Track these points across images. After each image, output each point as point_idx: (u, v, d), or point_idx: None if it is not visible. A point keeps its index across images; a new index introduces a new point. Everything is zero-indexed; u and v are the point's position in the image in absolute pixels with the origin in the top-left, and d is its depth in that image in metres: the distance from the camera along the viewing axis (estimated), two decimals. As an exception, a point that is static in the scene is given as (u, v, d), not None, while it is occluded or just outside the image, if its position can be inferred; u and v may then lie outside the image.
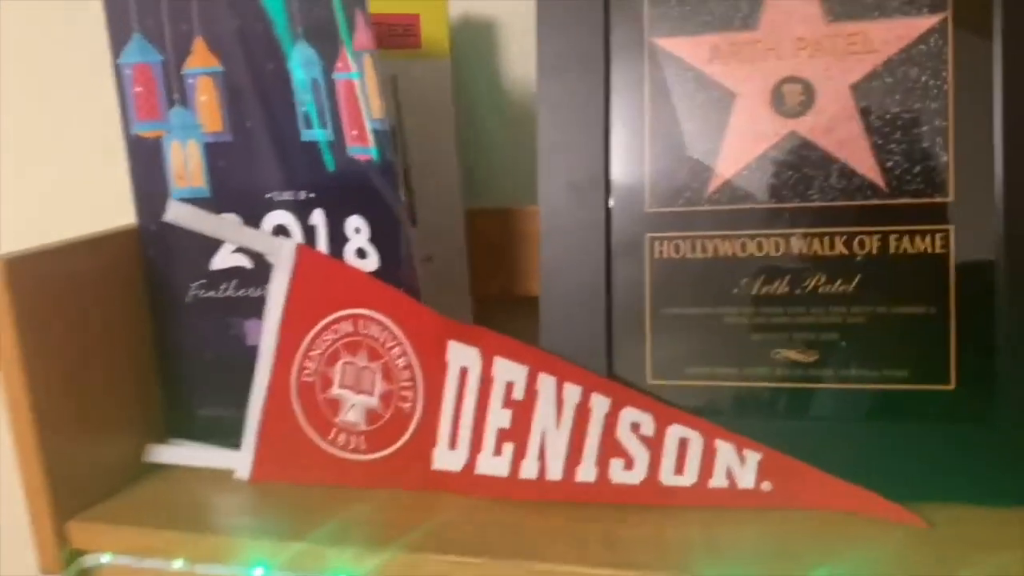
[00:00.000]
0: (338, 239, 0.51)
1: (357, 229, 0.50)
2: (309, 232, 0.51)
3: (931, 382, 0.45)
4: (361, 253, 0.50)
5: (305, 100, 0.49)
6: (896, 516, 0.42)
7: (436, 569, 0.43)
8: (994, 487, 0.43)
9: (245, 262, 0.53)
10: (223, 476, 0.53)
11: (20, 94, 0.70)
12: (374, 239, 0.50)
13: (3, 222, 0.71)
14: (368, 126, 0.47)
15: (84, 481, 0.50)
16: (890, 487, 0.43)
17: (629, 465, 0.46)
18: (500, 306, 0.56)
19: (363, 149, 0.48)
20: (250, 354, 0.53)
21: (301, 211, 0.51)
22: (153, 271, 0.54)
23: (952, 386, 0.44)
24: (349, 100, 0.48)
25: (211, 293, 0.54)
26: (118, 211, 0.57)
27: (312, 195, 0.51)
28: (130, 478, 0.53)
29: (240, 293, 0.54)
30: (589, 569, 0.42)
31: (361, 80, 0.46)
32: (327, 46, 0.48)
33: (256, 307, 0.53)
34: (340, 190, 0.50)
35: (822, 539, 0.42)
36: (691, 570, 0.41)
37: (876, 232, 0.45)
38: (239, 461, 0.52)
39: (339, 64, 0.47)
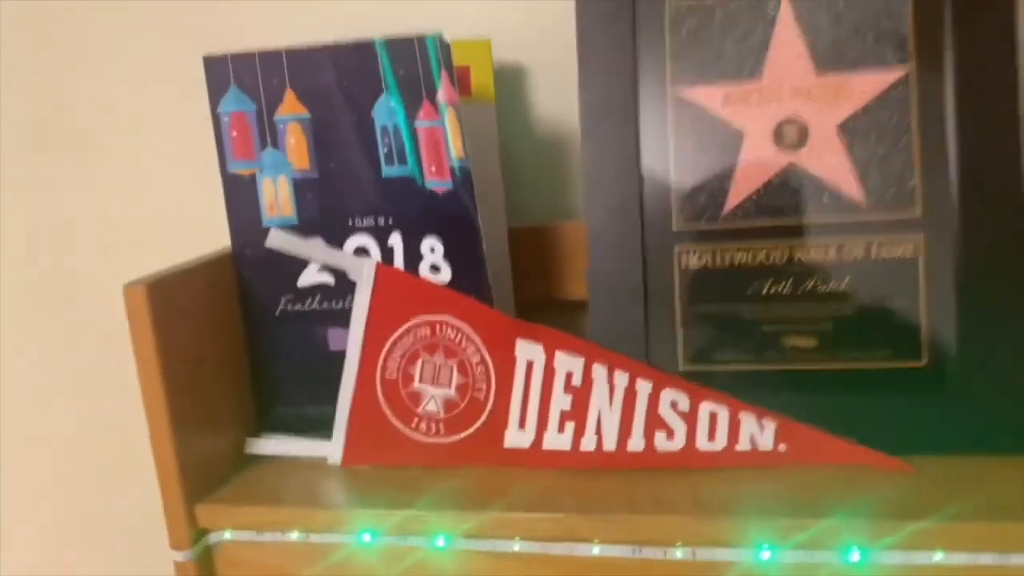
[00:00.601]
0: (414, 257, 0.60)
1: (432, 248, 0.60)
2: (387, 252, 0.61)
3: (907, 360, 0.56)
4: (435, 268, 0.60)
5: (387, 143, 0.59)
6: (888, 465, 0.53)
7: (523, 524, 0.53)
8: (960, 440, 0.54)
9: (328, 279, 0.62)
10: (314, 464, 0.62)
11: (127, 139, 0.78)
12: (447, 256, 0.59)
13: (112, 246, 0.79)
14: (449, 164, 0.57)
15: (204, 470, 0.59)
16: (880, 444, 0.54)
17: (670, 436, 0.56)
18: (539, 310, 0.66)
19: (441, 183, 0.58)
20: (332, 358, 0.62)
21: (380, 235, 0.61)
22: (246, 289, 0.63)
23: (924, 363, 0.56)
24: (429, 143, 0.57)
25: (298, 306, 0.63)
26: (206, 237, 0.66)
27: (391, 221, 0.60)
28: (234, 468, 0.62)
29: (324, 306, 0.62)
30: (639, 516, 0.52)
31: (444, 128, 0.56)
32: (412, 98, 0.57)
33: (338, 317, 0.62)
34: (417, 217, 0.59)
35: (830, 488, 0.53)
36: (723, 515, 0.51)
37: (861, 241, 0.56)
38: (331, 449, 0.61)
39: (421, 114, 0.57)
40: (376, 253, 0.61)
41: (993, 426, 0.54)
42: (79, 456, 0.85)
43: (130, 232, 0.80)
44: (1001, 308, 0.54)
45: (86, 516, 0.86)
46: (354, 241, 0.61)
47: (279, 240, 0.60)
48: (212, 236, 0.65)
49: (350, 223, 0.61)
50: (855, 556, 0.49)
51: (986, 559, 0.48)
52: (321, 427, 0.62)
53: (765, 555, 0.50)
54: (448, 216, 0.58)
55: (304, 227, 0.61)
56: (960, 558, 0.48)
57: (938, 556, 0.48)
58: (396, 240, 0.60)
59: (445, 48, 0.55)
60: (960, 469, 0.53)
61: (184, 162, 0.77)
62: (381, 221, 0.60)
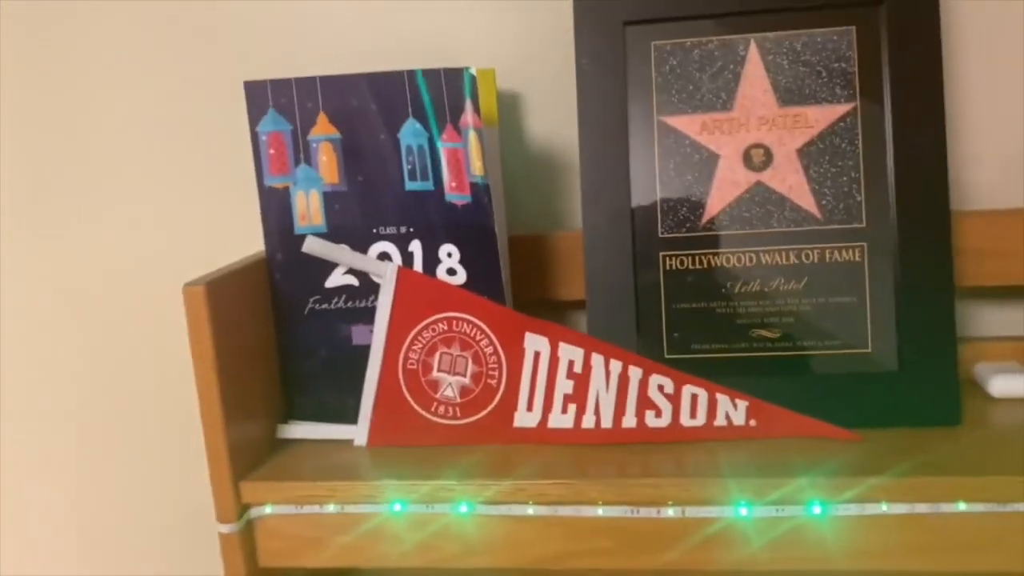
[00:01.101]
0: (432, 262, 0.68)
1: (449, 254, 0.68)
2: (407, 257, 0.69)
3: (855, 347, 0.66)
4: (451, 272, 0.68)
5: (411, 161, 0.67)
6: (841, 435, 0.64)
7: (538, 490, 0.61)
8: (899, 415, 0.65)
9: (353, 281, 0.70)
10: (340, 447, 0.69)
11: (173, 154, 0.85)
12: (463, 261, 0.68)
13: (155, 254, 0.86)
14: (469, 180, 0.65)
15: (245, 452, 0.66)
16: (833, 418, 0.64)
17: (658, 414, 0.65)
18: (535, 310, 0.74)
19: (461, 197, 0.66)
20: (356, 352, 0.70)
21: (401, 242, 0.69)
22: (278, 290, 0.70)
23: (870, 349, 0.66)
24: (451, 161, 0.66)
25: (325, 306, 0.70)
26: (235, 245, 0.73)
27: (412, 230, 0.68)
28: (268, 452, 0.69)
29: (349, 305, 0.70)
30: (635, 481, 0.61)
31: (466, 148, 0.65)
32: (439, 121, 0.65)
33: (362, 315, 0.70)
34: (437, 226, 0.67)
35: (794, 455, 0.62)
36: (706, 478, 0.60)
37: (816, 248, 0.67)
38: (357, 432, 0.69)
39: (445, 136, 0.65)
40: (397, 258, 0.69)
41: (926, 403, 0.65)
42: (114, 451, 0.91)
43: (167, 240, 0.86)
44: (932, 303, 0.65)
45: (124, 504, 0.92)
46: (378, 247, 0.69)
47: (314, 245, 0.68)
48: (231, 245, 0.73)
49: (374, 231, 0.69)
50: (817, 510, 0.59)
51: (921, 508, 0.58)
52: (344, 414, 0.70)
53: (743, 511, 0.59)
54: (466, 226, 0.67)
55: (332, 235, 0.69)
56: (901, 508, 0.58)
57: (883, 507, 0.58)
58: (416, 247, 0.68)
59: (472, 80, 0.63)
60: (899, 438, 0.63)
61: (215, 176, 0.84)
62: (403, 230, 0.68)
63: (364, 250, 0.69)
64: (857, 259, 0.66)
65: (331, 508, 0.64)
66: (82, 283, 0.88)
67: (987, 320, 0.76)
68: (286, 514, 0.65)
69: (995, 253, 0.71)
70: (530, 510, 0.62)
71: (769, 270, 0.67)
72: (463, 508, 0.63)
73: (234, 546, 0.65)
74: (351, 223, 0.69)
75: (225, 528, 0.64)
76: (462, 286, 0.68)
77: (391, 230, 0.69)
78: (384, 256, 0.69)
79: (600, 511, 0.61)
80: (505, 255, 0.74)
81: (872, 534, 0.59)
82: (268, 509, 0.65)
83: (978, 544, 0.58)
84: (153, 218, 0.86)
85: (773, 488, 0.59)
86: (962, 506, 0.57)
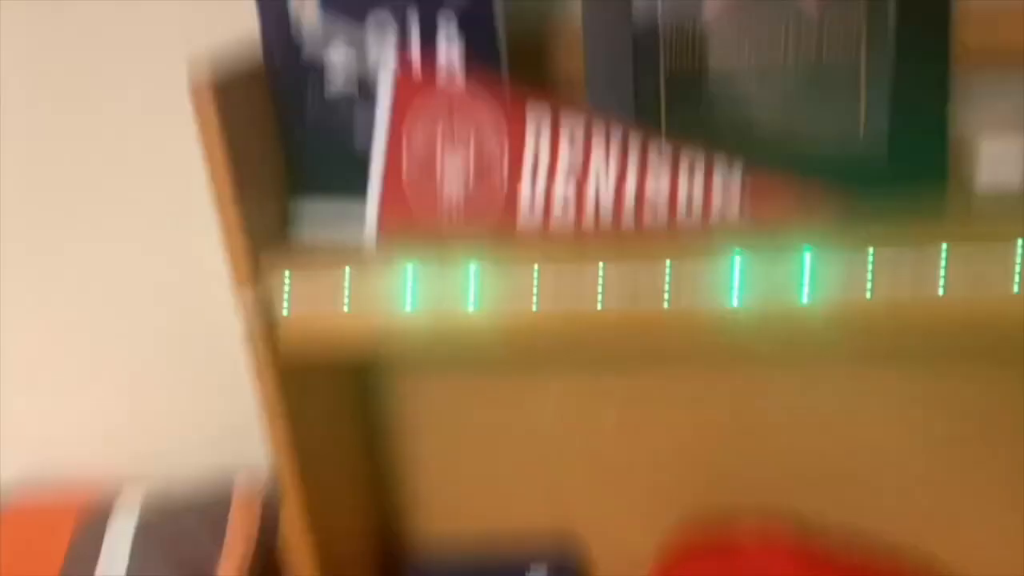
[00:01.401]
0: (429, 29, 0.69)
1: (447, 21, 0.69)
2: (405, 29, 0.69)
3: (849, 134, 0.69)
4: (448, 39, 0.69)
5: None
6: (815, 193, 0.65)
7: (541, 252, 0.65)
8: (888, 183, 0.67)
9: (354, 87, 0.71)
10: (350, 249, 0.70)
11: None
12: (460, 28, 0.69)
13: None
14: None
15: (260, 229, 0.69)
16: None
17: (654, 210, 0.66)
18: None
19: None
20: (358, 151, 0.71)
21: (399, 12, 0.69)
22: (279, 98, 0.71)
23: (861, 134, 0.69)
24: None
25: (327, 111, 0.71)
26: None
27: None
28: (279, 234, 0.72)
29: (350, 109, 0.71)
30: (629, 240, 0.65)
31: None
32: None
33: (362, 118, 0.71)
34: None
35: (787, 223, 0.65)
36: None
37: (813, 45, 0.68)
38: (365, 236, 0.70)
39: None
40: (394, 26, 0.69)
41: (905, 170, 0.68)
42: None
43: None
44: (927, 91, 0.67)
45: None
46: (375, 20, 0.70)
47: (317, 34, 0.70)
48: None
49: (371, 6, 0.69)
50: (808, 257, 0.62)
51: (907, 253, 0.62)
52: (352, 217, 0.71)
53: (737, 259, 0.62)
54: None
55: (327, 14, 0.70)
56: (887, 253, 0.62)
57: (870, 252, 0.62)
58: (413, 15, 0.69)
59: None
60: (887, 205, 0.66)
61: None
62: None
63: (361, 24, 0.70)
64: (853, 58, 0.67)
65: (345, 306, 0.67)
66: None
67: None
68: (304, 314, 0.68)
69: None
70: (534, 300, 0.65)
71: (768, 65, 0.68)
72: (471, 272, 0.66)
73: (258, 344, 0.68)
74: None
75: (249, 313, 0.68)
76: (460, 57, 0.69)
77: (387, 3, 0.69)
78: (380, 25, 0.70)
79: (600, 274, 0.64)
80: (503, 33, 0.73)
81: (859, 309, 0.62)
82: (285, 272, 0.68)
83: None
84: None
85: (766, 238, 0.63)
86: (944, 247, 0.60)
